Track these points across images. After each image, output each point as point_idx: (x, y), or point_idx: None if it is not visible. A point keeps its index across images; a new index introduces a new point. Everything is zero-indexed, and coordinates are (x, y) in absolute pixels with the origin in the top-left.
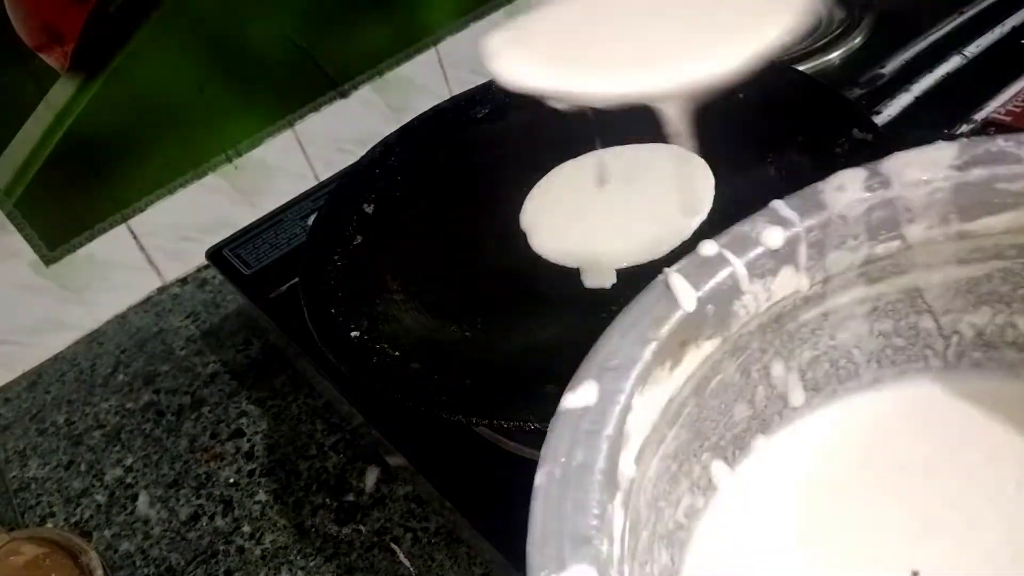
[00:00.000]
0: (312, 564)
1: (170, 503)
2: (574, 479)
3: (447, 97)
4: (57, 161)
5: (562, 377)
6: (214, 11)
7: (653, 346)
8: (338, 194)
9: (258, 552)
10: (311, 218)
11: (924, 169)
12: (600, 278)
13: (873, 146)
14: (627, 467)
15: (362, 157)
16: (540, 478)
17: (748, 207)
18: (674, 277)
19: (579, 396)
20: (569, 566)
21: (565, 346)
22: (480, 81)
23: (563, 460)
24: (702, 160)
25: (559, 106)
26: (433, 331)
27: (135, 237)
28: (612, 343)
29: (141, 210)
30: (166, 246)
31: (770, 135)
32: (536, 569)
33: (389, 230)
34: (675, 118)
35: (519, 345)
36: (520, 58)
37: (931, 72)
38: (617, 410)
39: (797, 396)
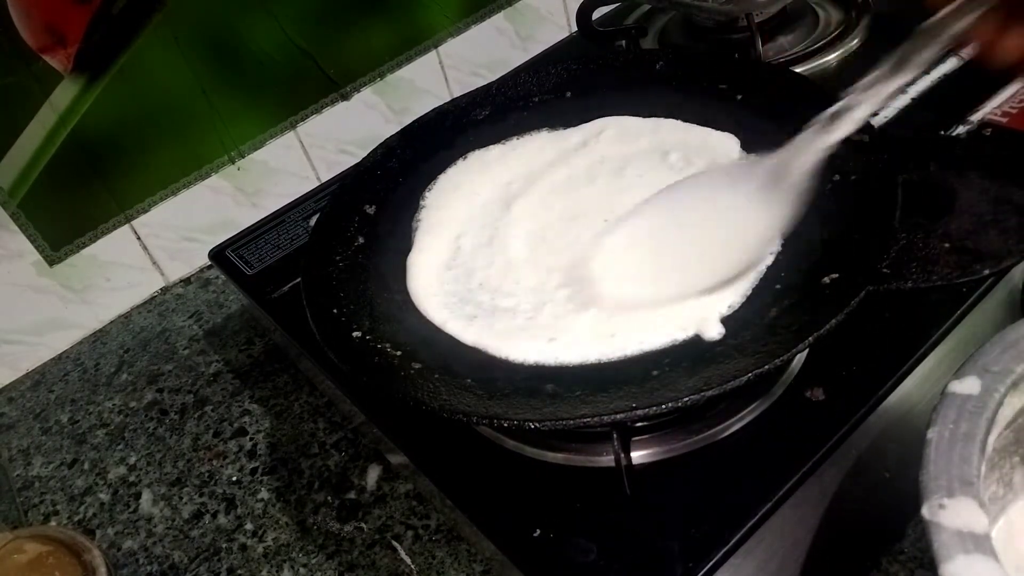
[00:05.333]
0: (314, 561)
1: (173, 501)
2: (960, 441)
3: (448, 99)
4: (60, 162)
5: (561, 377)
6: (217, 13)
7: None
8: (340, 195)
9: (260, 550)
10: (313, 219)
11: None
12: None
13: (870, 148)
14: (992, 442)
15: (364, 158)
16: (932, 435)
17: None
18: None
19: (965, 385)
20: (957, 496)
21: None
22: (480, 83)
23: (951, 427)
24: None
25: None
26: (433, 331)
27: (138, 237)
28: (995, 351)
29: (144, 211)
30: (169, 246)
31: (767, 137)
32: (932, 492)
33: (390, 231)
34: None
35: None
36: None
37: (928, 74)
38: (994, 403)
39: None
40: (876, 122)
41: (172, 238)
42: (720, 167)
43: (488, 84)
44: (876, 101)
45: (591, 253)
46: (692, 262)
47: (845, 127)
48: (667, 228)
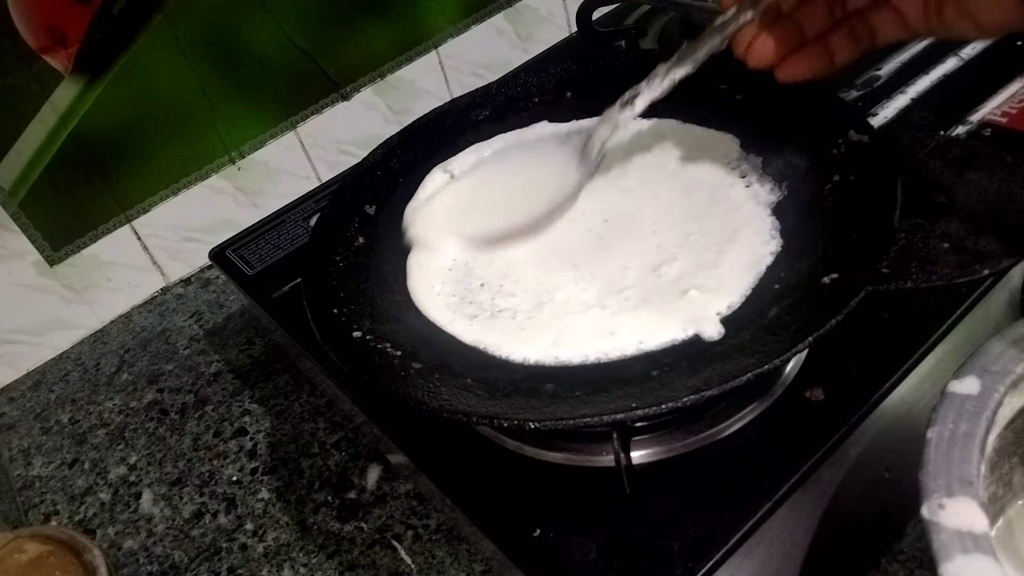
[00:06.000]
0: (314, 561)
1: (173, 501)
2: (960, 441)
3: (448, 99)
4: (61, 162)
5: (561, 377)
6: (217, 13)
7: None
8: (340, 195)
9: (260, 549)
10: (313, 219)
11: None
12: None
13: (869, 148)
14: (991, 442)
15: (364, 158)
16: (931, 434)
17: None
18: None
19: (964, 385)
20: (956, 496)
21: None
22: (480, 83)
23: (951, 427)
24: None
25: None
26: (433, 331)
27: (139, 238)
28: (995, 350)
29: (145, 211)
30: (170, 246)
31: (767, 137)
32: (931, 492)
33: (391, 231)
34: None
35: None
36: None
37: (927, 74)
38: (993, 403)
39: None
40: (876, 122)
41: (172, 238)
42: (550, 135)
43: (488, 84)
44: (661, 88)
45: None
46: (503, 215)
47: (636, 108)
48: (489, 183)
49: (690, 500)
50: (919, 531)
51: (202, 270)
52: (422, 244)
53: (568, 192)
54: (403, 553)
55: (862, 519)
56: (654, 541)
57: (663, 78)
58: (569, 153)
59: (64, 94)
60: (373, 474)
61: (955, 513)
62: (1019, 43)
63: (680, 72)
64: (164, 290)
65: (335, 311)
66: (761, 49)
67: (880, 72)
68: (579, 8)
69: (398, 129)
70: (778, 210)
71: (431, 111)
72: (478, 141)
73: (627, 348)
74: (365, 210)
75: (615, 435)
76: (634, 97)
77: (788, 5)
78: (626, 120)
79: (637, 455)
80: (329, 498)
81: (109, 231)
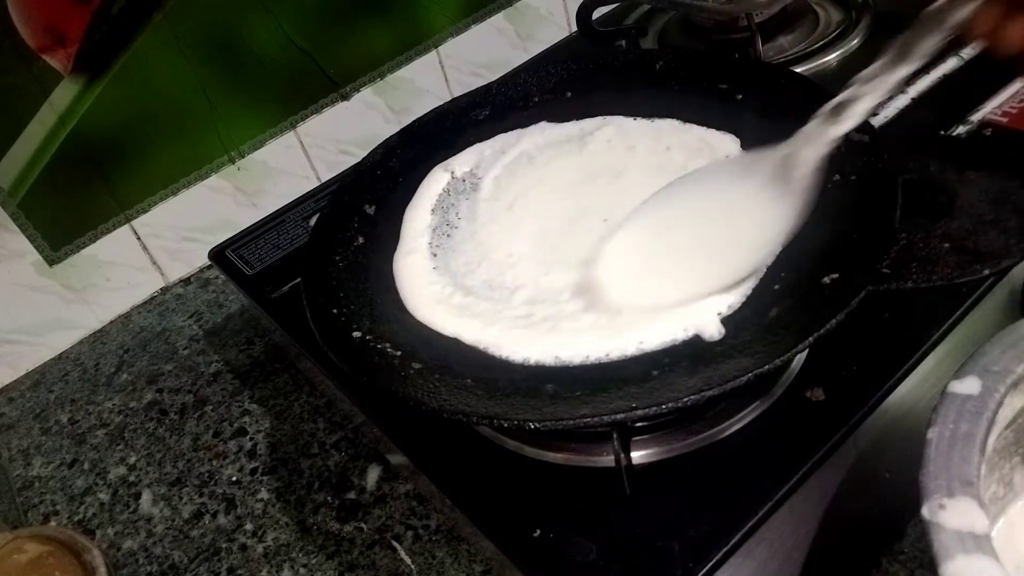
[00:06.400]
0: (314, 561)
1: (173, 501)
2: (960, 441)
3: (448, 99)
4: (60, 162)
5: (562, 377)
6: (217, 13)
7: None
8: (340, 195)
9: (260, 550)
10: (313, 219)
11: None
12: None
13: (870, 148)
14: (992, 442)
15: (363, 158)
16: (932, 435)
17: None
18: None
19: (965, 385)
20: (957, 496)
21: None
22: (480, 83)
23: (951, 427)
24: None
25: None
26: (433, 331)
27: (138, 237)
28: (995, 352)
29: (144, 211)
30: (169, 246)
31: (767, 137)
32: (931, 492)
33: (390, 231)
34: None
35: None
36: None
37: (928, 74)
38: (994, 403)
39: None
40: (876, 122)
41: (172, 238)
42: (724, 161)
43: (488, 84)
44: (880, 92)
45: (595, 257)
46: (701, 264)
47: (851, 119)
48: (672, 228)
49: (690, 500)
50: (920, 531)
51: (202, 270)
52: (627, 322)
53: (782, 223)
54: (403, 553)
55: (863, 519)
56: (654, 541)
57: (880, 79)
58: (760, 182)
59: (63, 94)
60: (373, 474)
61: (956, 513)
62: None
63: (903, 70)
64: (164, 290)
65: (335, 311)
66: (1012, 34)
67: None
68: (579, 8)
69: (398, 129)
70: None
71: (431, 111)
72: (478, 141)
73: (627, 348)
74: (365, 210)
75: (615, 435)
76: (840, 107)
77: None
78: (836, 134)
79: (637, 455)
80: (329, 498)
81: (108, 231)
